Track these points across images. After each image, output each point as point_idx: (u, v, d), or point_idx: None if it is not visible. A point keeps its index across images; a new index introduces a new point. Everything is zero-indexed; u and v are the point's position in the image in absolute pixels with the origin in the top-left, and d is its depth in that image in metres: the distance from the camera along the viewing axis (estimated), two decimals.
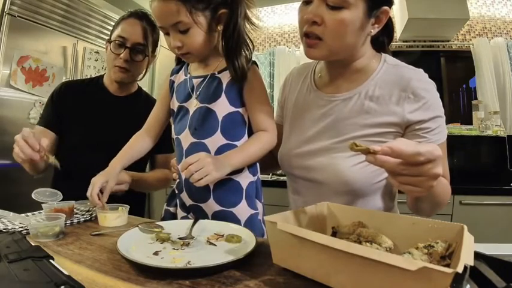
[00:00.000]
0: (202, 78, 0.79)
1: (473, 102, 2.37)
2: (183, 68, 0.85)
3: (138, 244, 0.60)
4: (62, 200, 0.85)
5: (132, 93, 1.20)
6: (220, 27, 0.75)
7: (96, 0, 2.17)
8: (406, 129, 0.71)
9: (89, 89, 1.14)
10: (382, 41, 0.79)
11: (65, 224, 0.72)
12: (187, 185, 0.79)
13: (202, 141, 0.77)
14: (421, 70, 0.72)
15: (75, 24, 2.04)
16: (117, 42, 1.05)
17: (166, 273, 0.48)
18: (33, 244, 0.53)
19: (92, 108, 1.12)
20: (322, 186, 0.76)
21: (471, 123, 2.32)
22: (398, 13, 2.42)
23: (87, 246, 0.62)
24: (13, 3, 1.68)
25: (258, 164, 0.84)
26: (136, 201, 1.12)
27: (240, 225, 0.75)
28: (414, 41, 2.58)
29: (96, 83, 1.17)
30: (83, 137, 1.09)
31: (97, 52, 2.17)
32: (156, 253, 0.56)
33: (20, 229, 0.68)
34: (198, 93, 0.79)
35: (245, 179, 0.79)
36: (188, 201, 0.81)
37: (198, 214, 0.79)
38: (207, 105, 0.77)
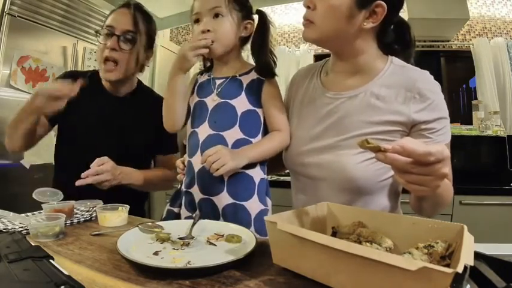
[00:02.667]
0: (224, 79, 0.86)
1: (473, 102, 2.37)
2: (209, 71, 0.92)
3: (138, 244, 0.60)
4: (64, 197, 0.85)
5: (132, 91, 1.14)
6: (244, 34, 0.86)
7: (96, 0, 2.17)
8: (411, 128, 0.72)
9: (89, 86, 1.05)
10: (396, 49, 0.80)
11: (65, 224, 0.72)
12: (201, 178, 0.80)
13: (221, 133, 0.81)
14: (427, 72, 0.73)
15: (75, 24, 2.03)
16: (105, 31, 1.00)
17: (166, 273, 0.49)
18: (33, 244, 0.53)
19: (92, 107, 1.08)
20: (326, 183, 0.76)
21: (471, 123, 2.32)
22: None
23: (87, 246, 0.62)
24: (13, 3, 1.68)
25: (266, 163, 0.86)
26: (136, 201, 1.12)
27: (250, 219, 0.78)
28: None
29: (96, 80, 1.10)
30: (83, 134, 1.07)
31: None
32: (156, 253, 0.57)
33: (20, 229, 0.68)
34: (219, 90, 0.85)
35: (257, 175, 0.82)
36: (199, 196, 0.81)
37: (207, 210, 0.79)
38: (227, 100, 0.83)
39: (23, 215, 0.78)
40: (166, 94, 0.85)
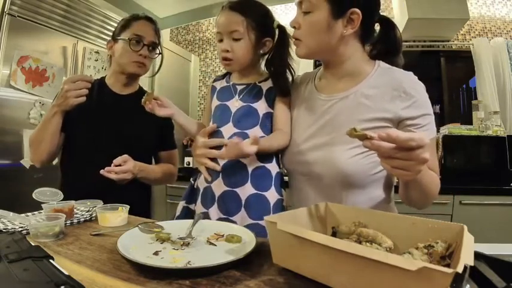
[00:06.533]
0: (245, 85, 0.94)
1: (473, 102, 2.37)
2: (225, 78, 1.01)
3: (138, 244, 0.60)
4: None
5: (135, 91, 1.22)
6: (263, 51, 0.93)
7: (96, 0, 2.17)
8: (398, 125, 0.76)
9: (93, 89, 1.14)
10: (382, 51, 0.85)
11: (65, 224, 0.72)
12: (226, 172, 0.86)
13: (245, 131, 0.88)
14: (411, 73, 0.79)
15: (75, 24, 2.03)
16: (135, 39, 1.12)
17: (166, 273, 0.49)
18: (33, 244, 0.53)
19: (97, 106, 1.13)
20: (321, 179, 0.80)
21: (471, 123, 2.31)
22: (398, 13, 2.41)
23: (87, 246, 0.62)
24: (13, 3, 1.68)
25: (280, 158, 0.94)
26: (140, 201, 1.17)
27: (270, 207, 0.85)
28: (414, 41, 2.57)
29: (99, 83, 1.18)
30: (90, 135, 1.10)
31: (97, 52, 2.17)
32: (156, 253, 0.57)
33: (20, 229, 0.68)
34: (241, 95, 0.93)
35: (274, 168, 0.89)
36: (221, 189, 0.86)
37: (230, 201, 0.85)
38: (250, 104, 0.91)
39: (23, 215, 0.78)
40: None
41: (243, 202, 0.84)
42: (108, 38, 1.19)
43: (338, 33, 0.77)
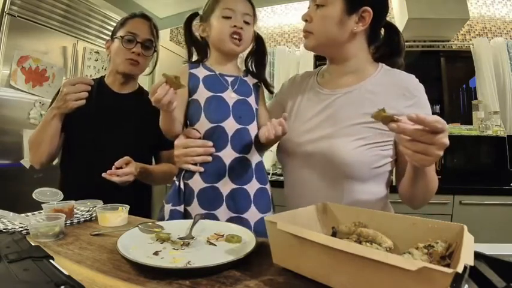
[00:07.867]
0: (234, 77, 0.93)
1: (473, 102, 2.37)
2: (201, 65, 0.93)
3: (138, 244, 0.60)
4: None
5: (135, 91, 1.22)
6: (251, 45, 0.96)
7: (96, 0, 2.17)
8: None
9: (92, 89, 1.12)
10: (386, 54, 0.88)
11: (65, 224, 0.72)
12: (233, 170, 0.85)
13: (247, 127, 0.88)
14: (413, 75, 0.82)
15: (75, 24, 2.03)
16: (128, 37, 1.12)
17: (166, 273, 0.49)
18: (33, 244, 0.53)
19: (97, 106, 1.12)
20: (321, 172, 0.80)
21: (471, 123, 2.31)
22: (398, 13, 2.41)
23: (87, 246, 0.62)
24: (13, 3, 1.68)
25: None
26: (139, 201, 1.16)
27: (270, 199, 0.89)
28: (414, 41, 2.57)
29: (98, 83, 1.18)
30: (90, 135, 1.10)
31: (97, 52, 2.17)
32: (156, 253, 0.57)
33: (20, 229, 0.68)
34: (235, 87, 0.91)
35: (264, 161, 0.93)
36: (229, 187, 0.84)
37: (238, 198, 0.84)
38: (245, 97, 0.91)
39: (23, 215, 0.78)
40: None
41: (252, 198, 0.85)
42: (108, 38, 1.20)
43: (349, 29, 0.79)
